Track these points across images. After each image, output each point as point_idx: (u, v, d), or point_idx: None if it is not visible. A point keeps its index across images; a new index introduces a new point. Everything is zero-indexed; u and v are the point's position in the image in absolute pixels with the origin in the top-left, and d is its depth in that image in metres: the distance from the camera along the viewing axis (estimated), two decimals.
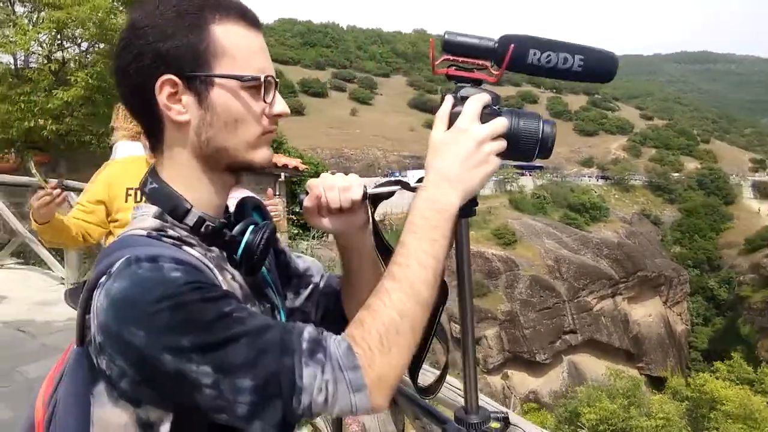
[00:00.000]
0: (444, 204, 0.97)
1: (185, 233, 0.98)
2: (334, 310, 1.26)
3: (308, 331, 0.87)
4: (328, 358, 0.84)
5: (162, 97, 0.96)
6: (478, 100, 1.03)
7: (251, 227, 1.02)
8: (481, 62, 1.06)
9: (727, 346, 43.61)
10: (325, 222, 1.15)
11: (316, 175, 1.51)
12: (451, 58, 1.06)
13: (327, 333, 0.88)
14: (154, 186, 1.04)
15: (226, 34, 0.95)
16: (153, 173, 1.05)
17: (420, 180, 1.06)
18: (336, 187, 1.12)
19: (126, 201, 2.88)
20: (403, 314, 0.90)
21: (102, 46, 12.35)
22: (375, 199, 1.15)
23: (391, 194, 1.15)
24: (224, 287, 0.91)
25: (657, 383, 40.41)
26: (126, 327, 0.81)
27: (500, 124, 1.01)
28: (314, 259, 1.35)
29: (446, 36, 1.06)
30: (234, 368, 0.82)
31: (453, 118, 1.04)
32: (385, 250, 1.15)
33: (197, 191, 1.02)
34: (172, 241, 0.95)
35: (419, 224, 0.96)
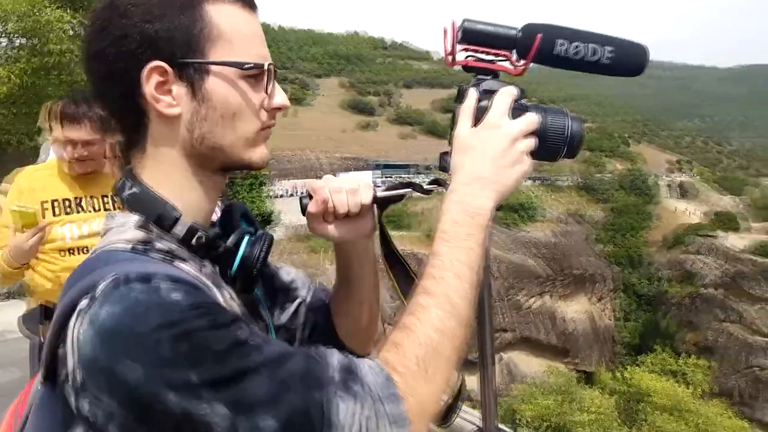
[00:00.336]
0: (477, 207, 0.89)
1: (175, 246, 0.85)
2: (323, 326, 1.12)
3: (337, 357, 0.75)
4: (366, 390, 0.72)
5: (149, 86, 0.84)
6: (507, 93, 0.95)
7: (247, 238, 0.92)
8: (503, 53, 0.99)
9: (650, 340, 45.75)
10: (331, 229, 1.03)
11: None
12: (471, 48, 0.99)
13: (357, 359, 0.76)
14: (134, 191, 0.90)
15: (222, 15, 0.85)
16: (130, 175, 0.92)
17: (434, 182, 1.03)
18: (344, 190, 1.01)
19: (55, 215, 2.56)
20: (443, 333, 0.79)
21: (26, 41, 11.79)
22: (383, 203, 1.06)
23: (401, 197, 1.07)
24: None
25: (588, 378, 41.99)
26: (119, 360, 0.68)
27: (532, 120, 0.94)
28: (298, 270, 1.21)
29: (465, 24, 0.98)
30: (254, 406, 0.69)
31: (479, 113, 0.96)
32: (394, 259, 1.07)
33: (186, 196, 0.90)
34: (161, 255, 0.83)
35: (451, 231, 0.87)
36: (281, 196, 44.61)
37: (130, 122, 0.89)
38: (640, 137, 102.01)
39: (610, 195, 67.70)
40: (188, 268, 0.82)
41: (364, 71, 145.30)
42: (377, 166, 68.87)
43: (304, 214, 1.04)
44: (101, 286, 0.72)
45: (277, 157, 68.51)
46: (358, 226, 1.04)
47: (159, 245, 0.84)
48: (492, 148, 0.92)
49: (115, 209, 0.96)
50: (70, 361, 0.71)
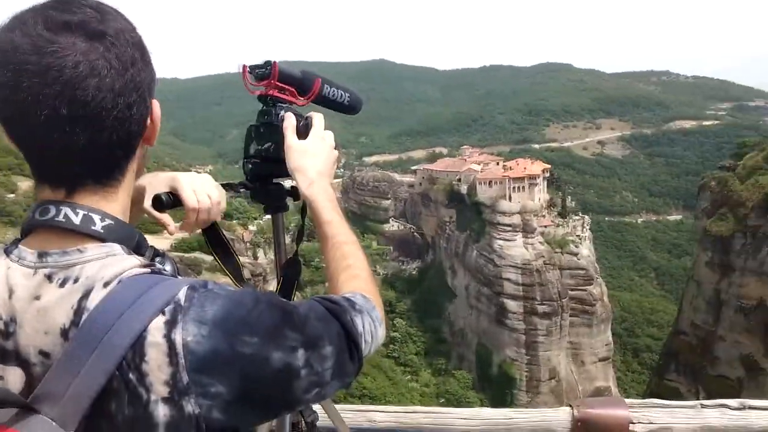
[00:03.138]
0: (330, 193, 1.45)
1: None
2: None
3: (334, 296, 1.14)
4: (361, 308, 1.13)
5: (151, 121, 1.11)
6: (321, 117, 1.49)
7: (159, 257, 1.13)
8: (290, 89, 1.45)
9: None
10: (174, 228, 1.46)
11: None
12: (280, 84, 1.43)
13: (342, 291, 1.21)
14: (110, 223, 1.01)
15: None
16: (94, 209, 1.01)
17: (242, 185, 1.54)
18: (212, 205, 1.37)
19: None
20: (365, 263, 1.33)
21: None
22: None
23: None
24: None
25: None
26: (238, 339, 0.88)
27: (331, 134, 1.51)
28: None
29: (280, 66, 1.42)
30: (317, 341, 0.99)
31: (302, 129, 1.46)
32: (225, 249, 1.48)
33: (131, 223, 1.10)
34: (168, 275, 0.99)
35: (329, 206, 1.41)
36: None
37: (123, 156, 1.05)
38: None
39: (19, 216, 56.71)
40: None
41: None
42: None
43: (159, 208, 1.33)
44: (182, 297, 0.89)
45: None
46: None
47: (158, 267, 1.02)
48: (323, 153, 1.48)
49: None
50: (164, 371, 0.85)
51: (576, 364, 70.45)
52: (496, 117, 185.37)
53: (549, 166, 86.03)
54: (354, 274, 1.29)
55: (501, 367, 69.51)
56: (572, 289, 71.50)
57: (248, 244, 78.75)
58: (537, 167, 79.26)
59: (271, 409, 1.02)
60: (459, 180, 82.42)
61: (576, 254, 73.31)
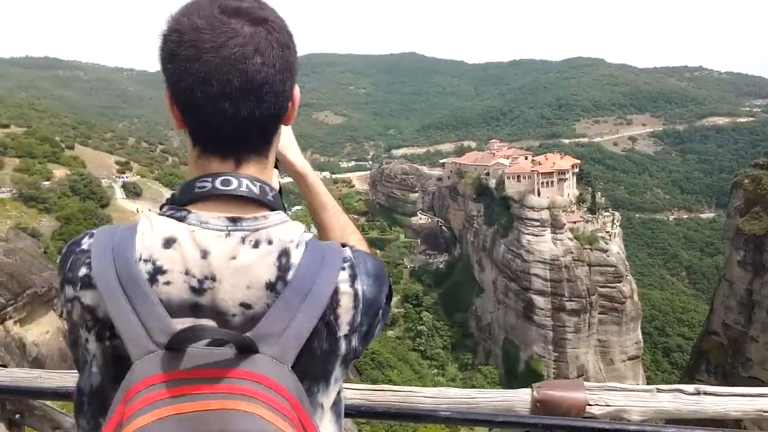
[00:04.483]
0: (318, 178, 1.60)
1: None
2: None
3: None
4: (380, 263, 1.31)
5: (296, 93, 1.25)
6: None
7: None
8: None
9: None
10: None
11: None
12: None
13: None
14: (275, 193, 1.21)
15: None
16: (264, 182, 1.20)
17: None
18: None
19: None
20: (356, 230, 1.57)
21: None
22: None
23: None
24: None
25: None
26: (381, 289, 1.20)
27: None
28: None
29: None
30: (391, 295, 1.28)
31: None
32: None
33: None
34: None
35: (324, 191, 1.57)
36: None
37: (275, 128, 1.22)
38: (73, 140, 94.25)
39: (54, 203, 63.18)
40: None
41: None
42: None
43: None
44: (350, 256, 1.19)
45: None
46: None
47: None
48: (291, 133, 1.59)
49: None
50: (349, 314, 1.14)
51: (605, 362, 69.78)
52: (526, 111, 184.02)
53: (578, 161, 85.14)
54: (360, 238, 1.51)
55: (528, 363, 69.25)
56: (601, 286, 70.75)
57: None
58: (566, 162, 78.45)
59: (370, 342, 1.27)
60: (487, 174, 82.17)
61: (605, 251, 72.48)
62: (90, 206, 64.25)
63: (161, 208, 1.20)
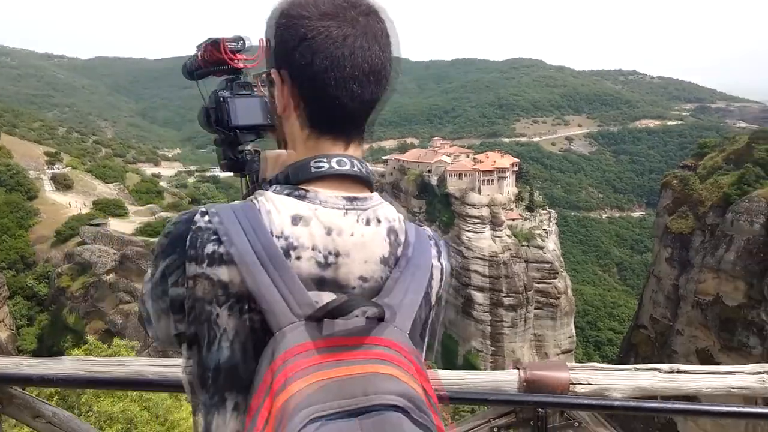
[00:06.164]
0: None
1: None
2: None
3: None
4: None
5: None
6: None
7: None
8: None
9: (58, 339, 45.27)
10: None
11: None
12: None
13: None
14: (372, 175, 1.29)
15: None
16: (365, 163, 1.26)
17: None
18: None
19: None
20: None
21: None
22: None
23: None
24: None
25: None
26: (450, 263, 1.33)
27: None
28: None
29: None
30: None
31: None
32: None
33: None
34: None
35: None
36: None
37: (372, 114, 1.27)
38: (10, 130, 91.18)
39: None
40: None
41: None
42: None
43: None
44: (431, 235, 1.31)
45: None
46: None
47: None
48: None
49: None
50: (437, 286, 1.28)
51: (539, 356, 71.74)
52: (468, 110, 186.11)
53: (518, 160, 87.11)
54: None
55: (466, 358, 70.43)
56: (537, 282, 72.79)
57: None
58: (506, 161, 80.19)
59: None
60: (429, 171, 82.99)
61: (542, 248, 74.58)
62: (16, 198, 61.42)
63: (265, 187, 1.25)
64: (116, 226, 54.98)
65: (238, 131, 1.55)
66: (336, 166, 1.21)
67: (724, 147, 60.91)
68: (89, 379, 2.25)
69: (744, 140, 58.95)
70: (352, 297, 1.13)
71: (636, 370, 2.18)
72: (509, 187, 78.25)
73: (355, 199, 1.21)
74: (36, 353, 43.72)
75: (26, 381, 2.23)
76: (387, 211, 1.24)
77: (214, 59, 1.54)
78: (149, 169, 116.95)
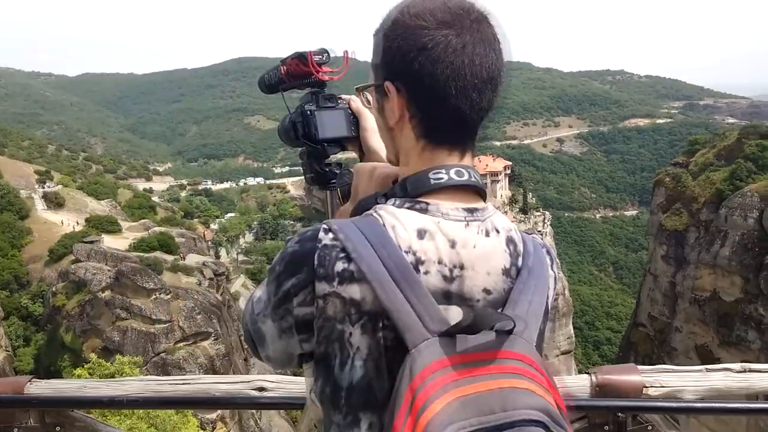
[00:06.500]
0: None
1: None
2: None
3: None
4: None
5: None
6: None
7: None
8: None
9: (55, 358, 44.89)
10: None
11: None
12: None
13: None
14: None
15: None
16: (476, 170, 1.24)
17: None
18: None
19: None
20: None
21: None
22: None
23: None
24: None
25: None
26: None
27: None
28: None
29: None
30: None
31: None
32: None
33: None
34: None
35: None
36: None
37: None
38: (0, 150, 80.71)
39: None
40: None
41: None
42: None
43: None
44: (543, 243, 1.28)
45: None
46: None
47: None
48: None
49: None
50: (553, 294, 1.27)
51: None
52: None
53: (510, 163, 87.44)
54: None
55: None
56: None
57: (210, 243, 77.81)
58: (499, 164, 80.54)
59: None
60: None
61: None
62: (7, 218, 60.56)
63: (381, 200, 1.23)
64: (110, 242, 54.65)
65: (325, 144, 1.54)
66: (455, 177, 1.19)
67: (715, 143, 61.23)
68: (161, 399, 2.23)
69: (734, 136, 59.16)
70: (485, 311, 1.11)
71: (707, 371, 2.15)
72: (503, 191, 78.54)
73: (475, 210, 1.19)
74: (33, 373, 42.65)
75: (95, 404, 2.21)
76: (502, 221, 1.22)
77: (300, 72, 1.53)
78: (141, 184, 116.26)
